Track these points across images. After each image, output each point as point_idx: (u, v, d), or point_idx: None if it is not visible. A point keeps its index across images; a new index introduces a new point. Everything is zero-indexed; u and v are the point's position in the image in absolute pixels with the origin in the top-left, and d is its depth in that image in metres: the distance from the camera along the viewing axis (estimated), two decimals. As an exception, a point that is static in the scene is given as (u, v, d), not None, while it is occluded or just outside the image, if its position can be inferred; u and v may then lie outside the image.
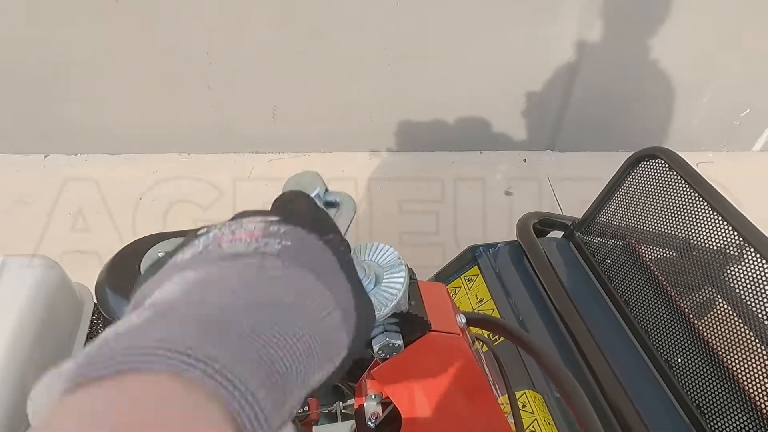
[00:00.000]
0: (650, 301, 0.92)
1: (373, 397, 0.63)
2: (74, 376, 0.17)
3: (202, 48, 1.93)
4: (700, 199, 0.84)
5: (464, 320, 0.49)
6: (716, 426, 0.76)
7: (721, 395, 0.77)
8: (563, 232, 1.14)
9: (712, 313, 0.87)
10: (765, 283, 0.76)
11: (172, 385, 0.18)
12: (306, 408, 0.82)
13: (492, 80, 2.10)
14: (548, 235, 1.14)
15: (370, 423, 0.60)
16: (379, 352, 0.43)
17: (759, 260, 0.76)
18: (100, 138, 2.16)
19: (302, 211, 0.29)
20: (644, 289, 0.94)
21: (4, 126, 2.11)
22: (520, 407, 0.79)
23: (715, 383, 0.79)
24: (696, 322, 0.87)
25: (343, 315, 0.24)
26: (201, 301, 0.21)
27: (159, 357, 0.18)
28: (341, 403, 0.82)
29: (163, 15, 1.84)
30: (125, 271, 0.40)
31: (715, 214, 0.82)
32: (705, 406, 0.78)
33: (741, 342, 0.80)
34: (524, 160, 2.27)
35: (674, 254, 0.94)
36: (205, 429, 0.17)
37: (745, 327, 0.80)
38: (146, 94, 2.04)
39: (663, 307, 0.90)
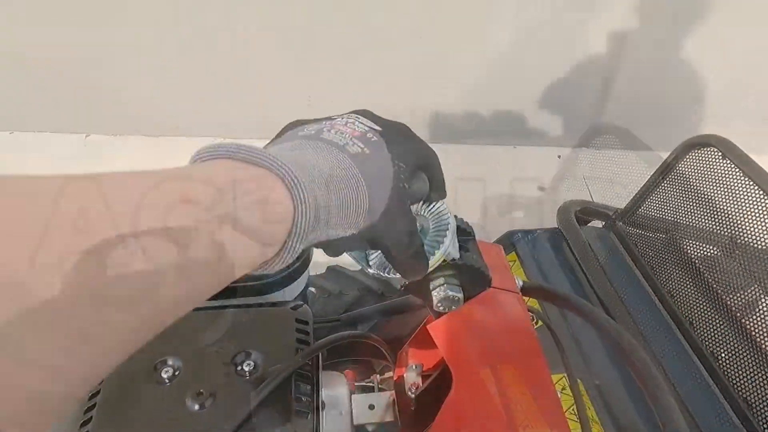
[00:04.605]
0: (695, 295, 0.89)
1: (414, 367, 0.63)
2: (202, 153, 0.27)
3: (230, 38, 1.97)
4: (757, 188, 0.81)
5: (520, 283, 0.48)
6: (764, 419, 0.73)
7: (769, 390, 0.75)
8: (603, 223, 1.12)
9: (759, 310, 0.84)
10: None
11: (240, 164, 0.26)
12: (342, 380, 0.83)
13: (530, 76, 2.08)
14: (587, 225, 1.12)
15: (410, 393, 0.60)
16: (438, 305, 0.42)
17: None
18: (139, 120, 2.22)
19: (398, 135, 0.34)
20: (689, 282, 0.91)
21: (49, 106, 2.18)
22: (560, 390, 0.77)
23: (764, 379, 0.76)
24: (743, 319, 0.84)
25: (370, 209, 0.31)
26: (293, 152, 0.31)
27: (248, 153, 0.26)
28: (378, 376, 0.82)
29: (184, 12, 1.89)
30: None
31: (772, 204, 0.79)
32: (752, 400, 0.75)
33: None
34: (558, 156, 2.25)
35: (722, 250, 0.91)
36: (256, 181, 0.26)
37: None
38: (181, 82, 2.10)
39: (708, 302, 0.88)
